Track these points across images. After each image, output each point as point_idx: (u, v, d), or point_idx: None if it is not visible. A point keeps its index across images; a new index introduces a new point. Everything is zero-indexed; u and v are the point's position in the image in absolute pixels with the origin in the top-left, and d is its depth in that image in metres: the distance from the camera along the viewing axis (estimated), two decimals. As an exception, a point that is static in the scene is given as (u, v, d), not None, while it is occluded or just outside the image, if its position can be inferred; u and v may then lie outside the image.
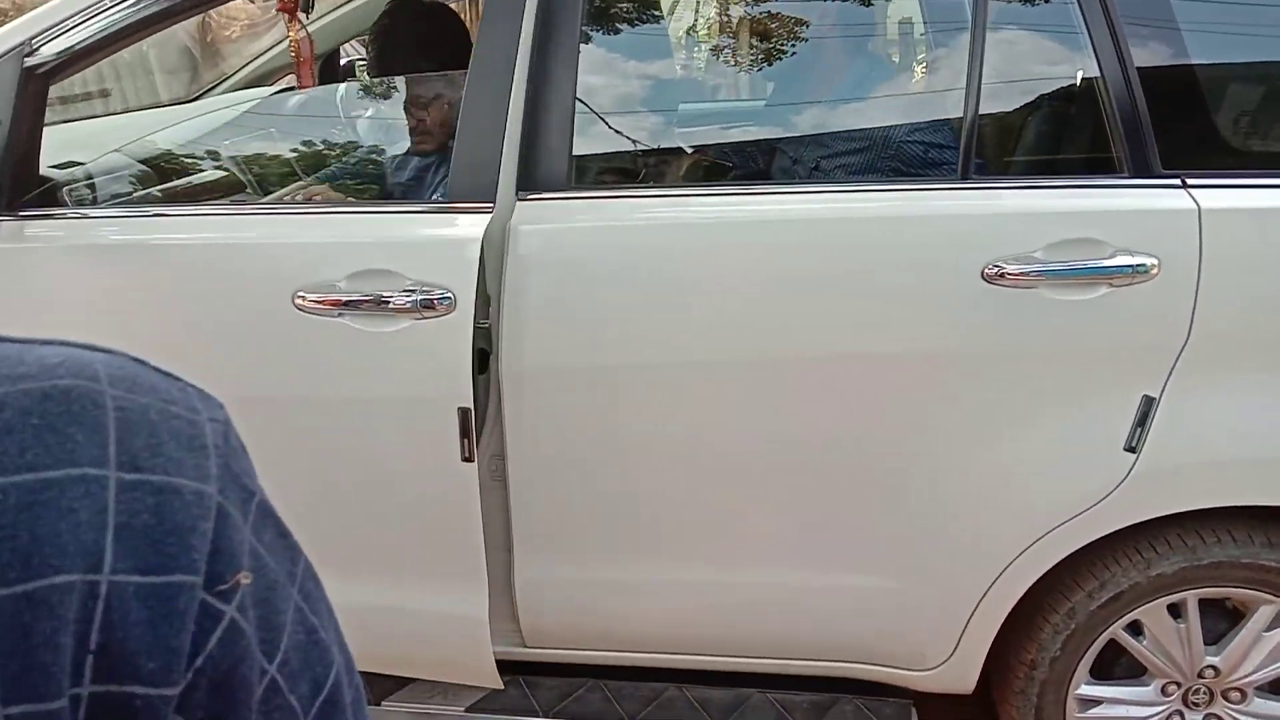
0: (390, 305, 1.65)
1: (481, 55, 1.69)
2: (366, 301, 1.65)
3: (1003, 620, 1.77)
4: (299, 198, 2.09)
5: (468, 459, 1.68)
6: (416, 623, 1.81)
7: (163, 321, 1.72)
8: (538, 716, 1.85)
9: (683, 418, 1.70)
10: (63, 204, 1.86)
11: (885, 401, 1.68)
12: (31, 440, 0.30)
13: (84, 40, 1.64)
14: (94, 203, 1.96)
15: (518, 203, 1.67)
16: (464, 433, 1.67)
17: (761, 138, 1.92)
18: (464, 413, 1.66)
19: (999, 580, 1.73)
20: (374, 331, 1.66)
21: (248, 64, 2.90)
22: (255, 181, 2.23)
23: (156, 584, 0.31)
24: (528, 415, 1.71)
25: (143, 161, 2.18)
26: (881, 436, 1.70)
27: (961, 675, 1.82)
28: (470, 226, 1.65)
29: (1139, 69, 1.61)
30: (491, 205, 1.67)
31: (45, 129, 1.79)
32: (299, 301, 1.67)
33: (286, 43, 2.63)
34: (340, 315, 1.67)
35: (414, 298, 1.64)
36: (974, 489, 1.70)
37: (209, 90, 2.89)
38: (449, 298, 1.63)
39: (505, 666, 1.92)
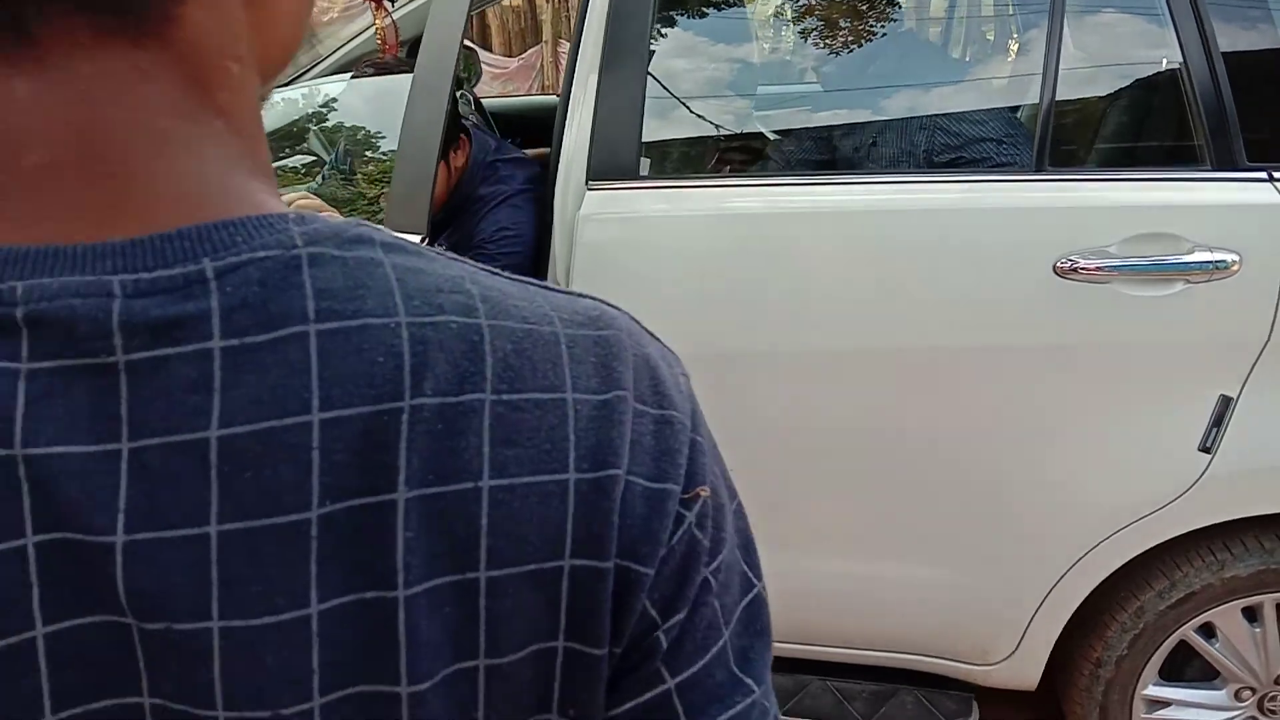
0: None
1: (421, 77, 1.62)
2: None
3: (1068, 618, 1.75)
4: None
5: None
6: None
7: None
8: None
9: (748, 403, 1.72)
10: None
11: (954, 393, 1.67)
12: (594, 371, 0.39)
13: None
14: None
15: (587, 192, 1.70)
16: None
17: (834, 125, 1.90)
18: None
19: (1065, 578, 1.71)
20: None
21: (337, 50, 2.98)
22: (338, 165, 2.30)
23: (655, 489, 0.39)
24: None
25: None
26: (949, 428, 1.69)
27: (1024, 671, 1.81)
28: None
29: (1225, 54, 1.56)
30: (423, 235, 1.56)
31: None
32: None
33: (373, 30, 2.69)
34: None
35: None
36: (1042, 484, 1.68)
37: (303, 74, 2.97)
38: None
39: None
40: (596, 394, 0.39)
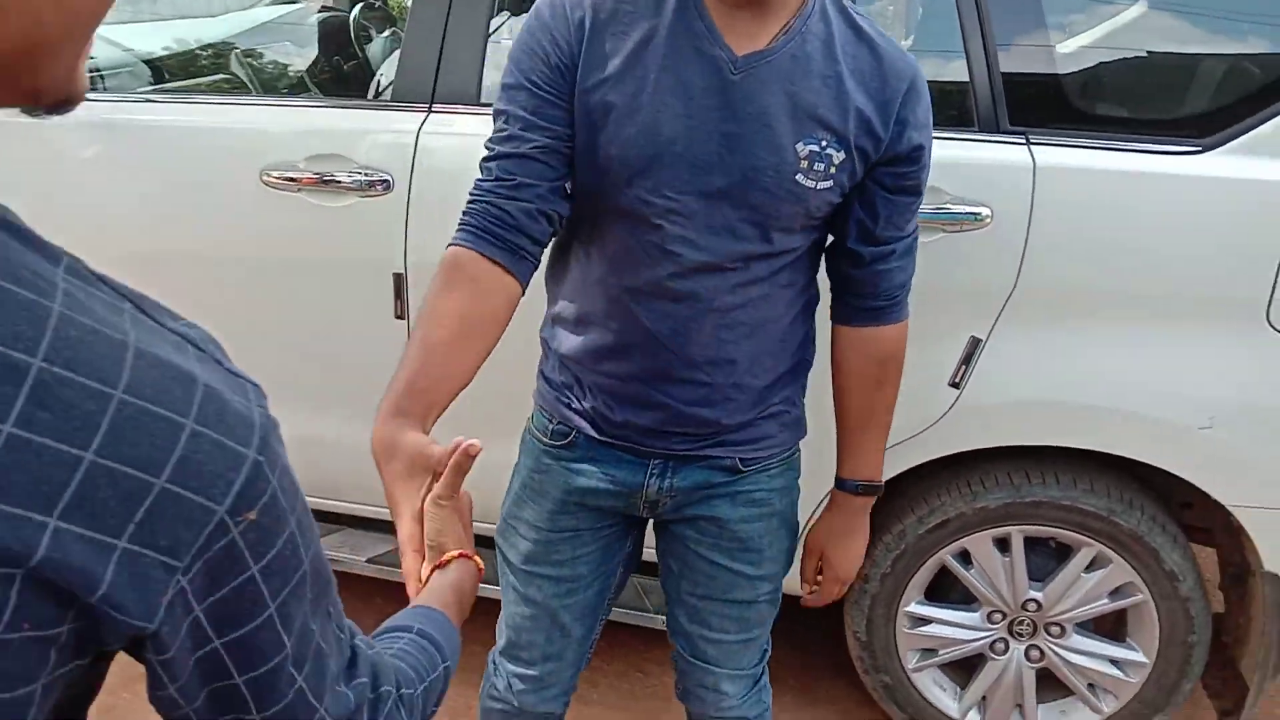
0: (341, 184, 1.94)
1: None
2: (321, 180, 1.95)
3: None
4: None
5: (400, 316, 1.96)
6: (349, 456, 1.97)
7: (151, 189, 2.05)
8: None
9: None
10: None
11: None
12: (150, 382, 0.46)
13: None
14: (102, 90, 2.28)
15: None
16: (396, 294, 1.95)
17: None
18: (397, 277, 1.94)
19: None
20: (326, 206, 1.95)
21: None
22: (259, 86, 2.51)
23: (192, 500, 0.46)
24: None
25: (149, 61, 2.50)
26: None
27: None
28: (408, 122, 1.92)
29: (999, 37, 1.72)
30: (426, 107, 1.92)
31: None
32: (266, 179, 1.96)
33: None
34: (299, 191, 1.96)
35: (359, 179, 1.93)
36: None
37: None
38: (388, 180, 1.91)
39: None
40: (145, 401, 0.45)
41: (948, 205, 1.71)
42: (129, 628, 0.47)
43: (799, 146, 1.15)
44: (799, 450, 1.43)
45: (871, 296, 1.28)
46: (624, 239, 1.22)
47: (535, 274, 1.23)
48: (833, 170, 1.17)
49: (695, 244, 1.19)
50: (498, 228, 1.16)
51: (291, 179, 1.94)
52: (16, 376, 0.41)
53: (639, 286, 1.23)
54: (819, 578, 1.49)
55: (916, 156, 1.20)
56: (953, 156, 1.73)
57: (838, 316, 1.33)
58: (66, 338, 0.43)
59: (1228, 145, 1.70)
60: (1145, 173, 1.70)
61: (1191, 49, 1.83)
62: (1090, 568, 1.89)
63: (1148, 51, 1.84)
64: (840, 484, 1.42)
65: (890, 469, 1.84)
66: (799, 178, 1.16)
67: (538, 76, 1.17)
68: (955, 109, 1.78)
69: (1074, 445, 1.78)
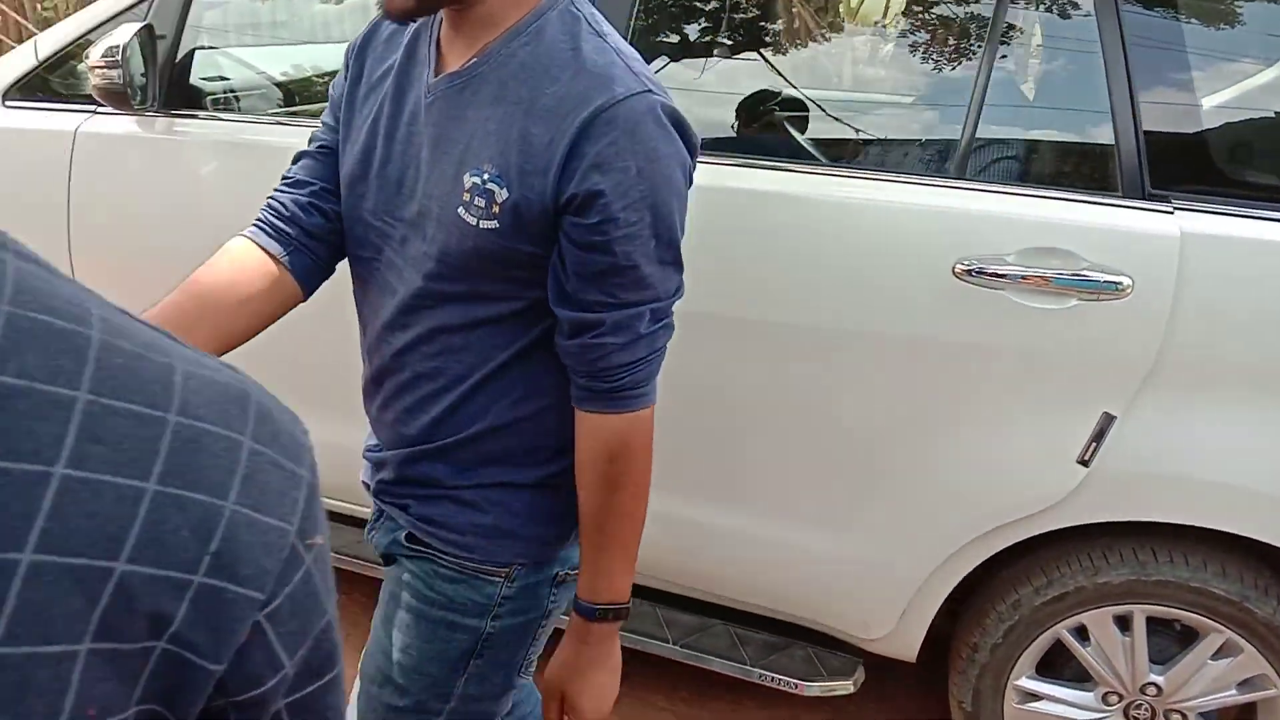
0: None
1: None
2: None
3: (941, 602, 1.87)
4: None
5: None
6: None
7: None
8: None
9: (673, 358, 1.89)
10: (204, 108, 2.26)
11: (856, 375, 1.80)
12: (205, 403, 0.43)
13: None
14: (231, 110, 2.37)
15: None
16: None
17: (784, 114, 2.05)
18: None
19: (942, 567, 1.84)
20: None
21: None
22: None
23: (264, 522, 0.43)
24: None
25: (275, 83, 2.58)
26: (850, 409, 1.82)
27: (903, 645, 1.94)
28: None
29: (1145, 94, 1.65)
30: None
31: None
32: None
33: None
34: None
35: None
36: (927, 474, 1.80)
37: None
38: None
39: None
40: (201, 422, 0.43)
41: (1085, 272, 1.65)
42: (204, 675, 0.42)
43: (465, 178, 1.06)
44: (523, 579, 1.21)
45: (588, 375, 1.09)
46: (359, 264, 1.22)
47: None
48: (495, 209, 1.04)
49: (401, 275, 1.15)
50: (273, 217, 1.22)
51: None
52: (62, 414, 0.38)
53: (365, 318, 1.23)
54: None
55: (599, 205, 1.01)
56: (1093, 222, 1.67)
57: (572, 397, 1.15)
58: (111, 366, 0.40)
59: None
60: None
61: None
62: (1218, 655, 1.79)
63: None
64: (577, 606, 1.18)
65: (1008, 537, 1.79)
66: (460, 211, 1.06)
67: (334, 88, 1.25)
68: (1097, 172, 1.72)
69: (1207, 525, 1.70)
